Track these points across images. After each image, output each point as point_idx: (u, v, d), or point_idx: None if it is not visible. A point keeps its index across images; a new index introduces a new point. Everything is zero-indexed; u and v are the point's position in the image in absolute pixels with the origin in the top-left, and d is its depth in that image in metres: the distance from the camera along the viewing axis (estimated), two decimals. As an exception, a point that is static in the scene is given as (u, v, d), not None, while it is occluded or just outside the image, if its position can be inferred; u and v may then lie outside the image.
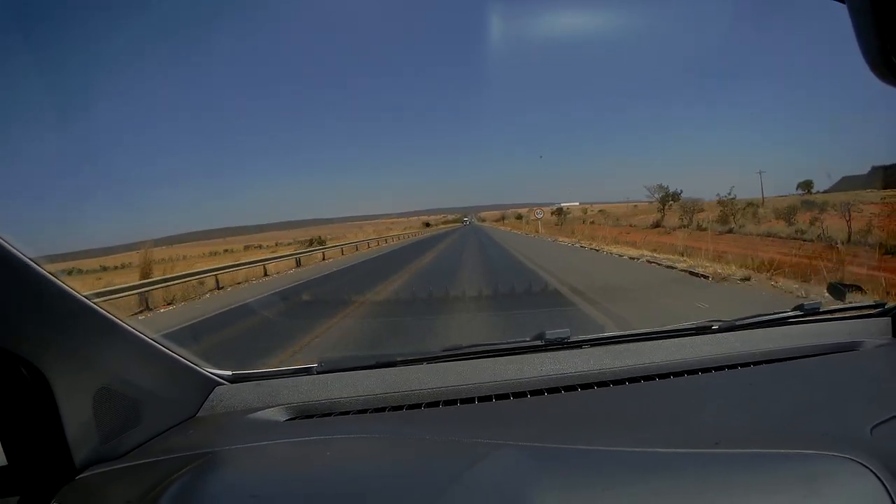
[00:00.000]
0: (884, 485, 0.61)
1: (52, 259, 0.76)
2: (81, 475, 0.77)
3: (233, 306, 8.00)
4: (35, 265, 0.71)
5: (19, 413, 0.73)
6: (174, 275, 10.66)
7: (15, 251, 0.68)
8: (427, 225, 44.20)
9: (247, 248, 29.38)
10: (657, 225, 23.76)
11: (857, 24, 0.45)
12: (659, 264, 9.27)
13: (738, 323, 1.27)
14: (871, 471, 0.62)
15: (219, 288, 11.22)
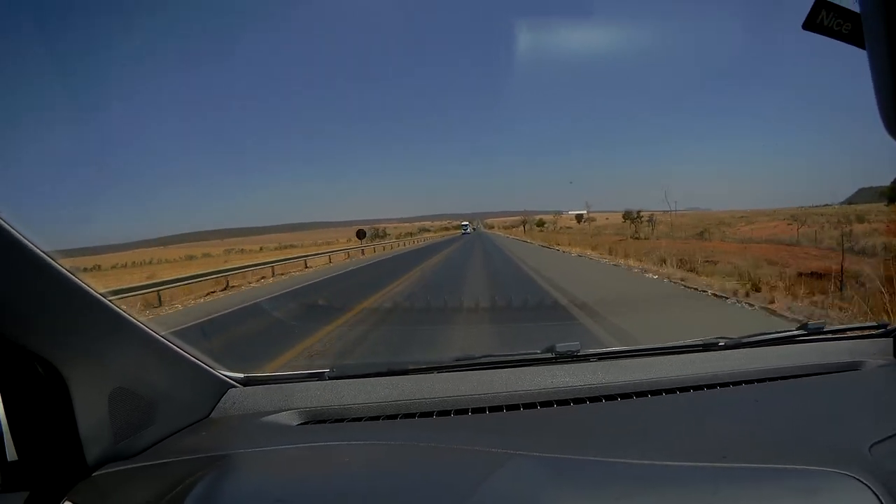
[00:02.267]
0: (880, 501, 0.64)
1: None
2: (94, 473, 0.78)
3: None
4: (53, 262, 0.72)
5: (33, 409, 0.75)
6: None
7: (33, 248, 0.69)
8: (361, 235, 27.48)
9: (228, 252, 28.41)
10: None
11: (876, 82, 0.45)
12: None
13: (743, 341, 1.30)
14: (869, 488, 0.66)
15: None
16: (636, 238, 26.92)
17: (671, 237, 22.80)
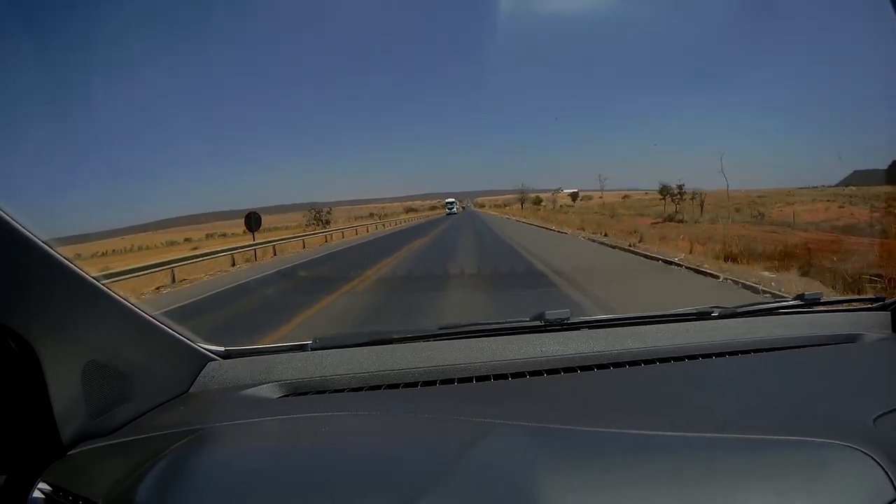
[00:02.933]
0: (888, 475, 0.62)
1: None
2: (70, 452, 0.77)
3: None
4: (25, 231, 0.70)
5: (5, 387, 0.73)
6: None
7: (5, 216, 0.68)
8: (252, 225, 14.32)
9: (209, 236, 27.75)
10: None
11: None
12: None
13: (739, 310, 1.29)
14: (876, 460, 0.64)
15: None
16: (679, 220, 20.52)
17: (730, 220, 17.40)
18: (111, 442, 0.81)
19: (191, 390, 1.05)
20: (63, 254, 0.76)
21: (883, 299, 1.31)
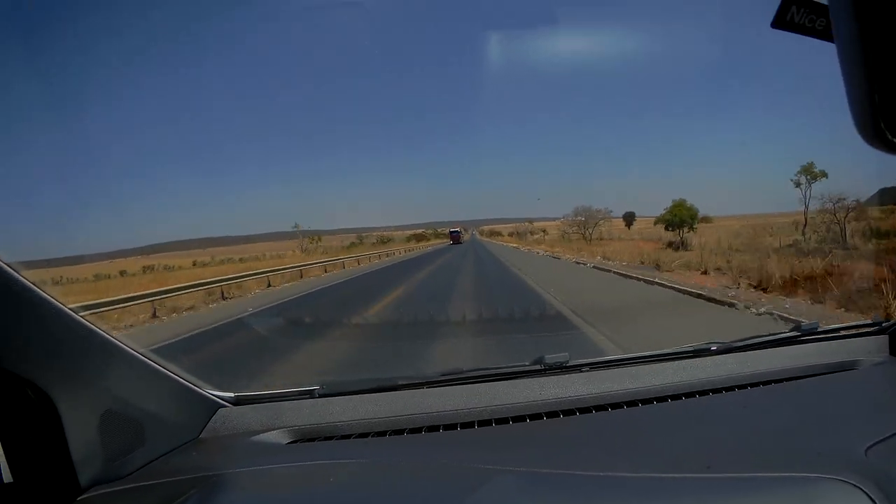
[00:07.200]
0: None
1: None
2: (86, 494, 0.84)
3: None
4: (39, 290, 0.78)
5: (26, 433, 0.81)
6: None
7: (18, 277, 0.76)
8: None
9: (146, 269, 24.77)
10: None
11: (849, 88, 0.45)
12: None
13: (736, 344, 1.36)
14: (865, 493, 0.66)
15: None
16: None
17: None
18: (126, 486, 0.86)
19: (202, 436, 1.10)
20: (75, 310, 0.82)
21: (881, 323, 1.37)
